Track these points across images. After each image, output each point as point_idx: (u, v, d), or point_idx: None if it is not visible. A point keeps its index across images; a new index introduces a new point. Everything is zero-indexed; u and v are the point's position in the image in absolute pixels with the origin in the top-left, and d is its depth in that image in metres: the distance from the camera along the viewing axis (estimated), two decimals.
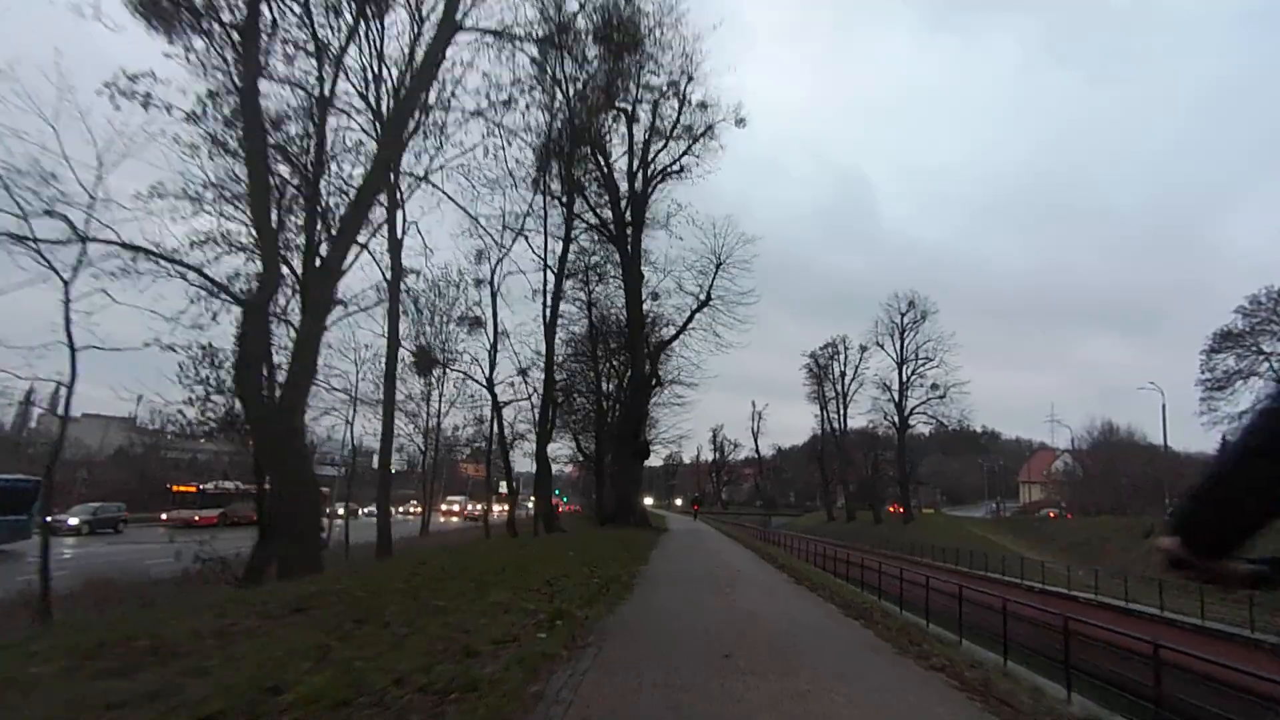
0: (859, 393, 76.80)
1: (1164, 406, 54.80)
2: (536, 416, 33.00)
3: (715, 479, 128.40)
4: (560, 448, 47.80)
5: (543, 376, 26.54)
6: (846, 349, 77.36)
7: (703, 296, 33.01)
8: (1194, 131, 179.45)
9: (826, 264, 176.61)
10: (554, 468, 64.55)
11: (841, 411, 77.55)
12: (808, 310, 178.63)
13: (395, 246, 21.62)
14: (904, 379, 63.85)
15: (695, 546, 23.67)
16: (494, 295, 24.71)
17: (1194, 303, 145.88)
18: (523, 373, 27.58)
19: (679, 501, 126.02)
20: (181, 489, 39.90)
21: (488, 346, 25.02)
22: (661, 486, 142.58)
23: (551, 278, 26.93)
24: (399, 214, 21.77)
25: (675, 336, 32.68)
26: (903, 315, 64.22)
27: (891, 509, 79.97)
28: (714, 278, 32.92)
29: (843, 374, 77.60)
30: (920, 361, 63.16)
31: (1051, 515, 55.82)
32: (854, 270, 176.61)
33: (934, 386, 61.77)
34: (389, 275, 21.61)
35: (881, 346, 65.24)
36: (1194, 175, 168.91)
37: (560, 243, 27.08)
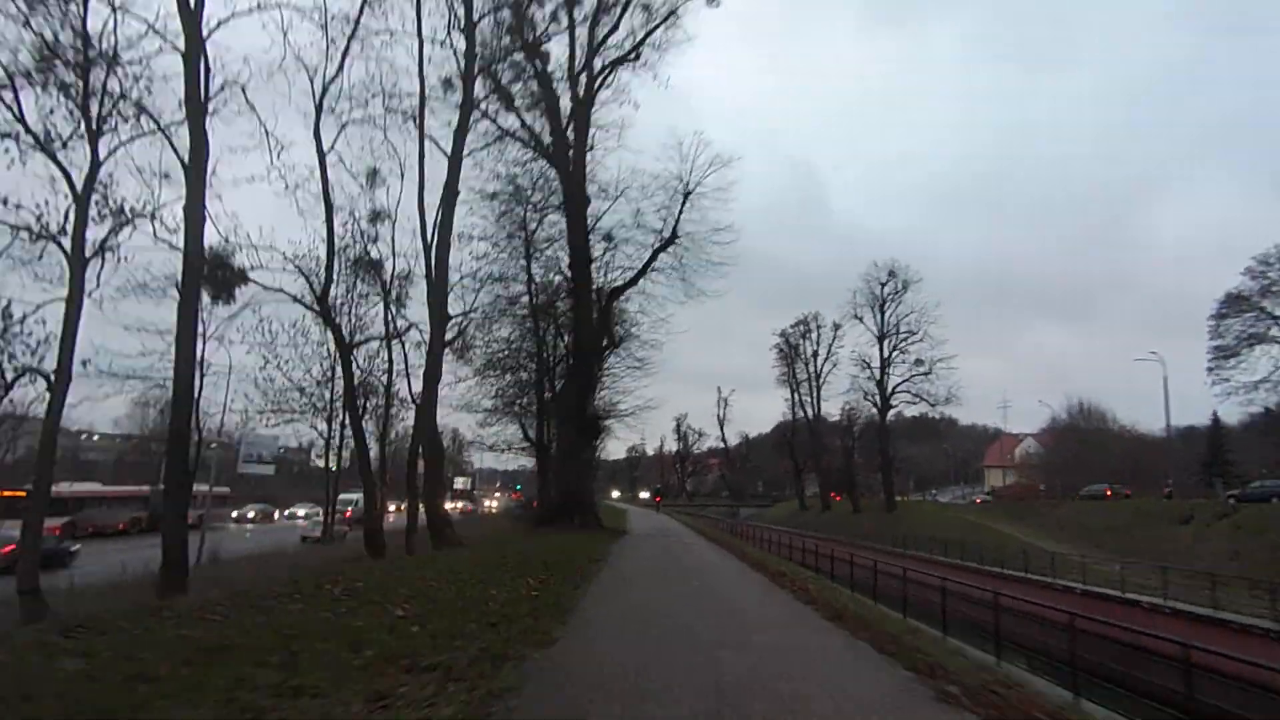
0: (833, 374, 70.66)
1: (1165, 380, 49.34)
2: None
3: (680, 470, 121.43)
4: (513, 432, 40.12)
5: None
6: (819, 327, 71.00)
7: (666, 233, 25.63)
8: (1119, 126, 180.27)
9: (782, 256, 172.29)
10: (515, 461, 57.42)
11: (814, 394, 71.20)
12: (766, 302, 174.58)
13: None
14: (885, 355, 57.62)
15: (663, 560, 16.13)
16: (320, 153, 16.31)
17: (1125, 291, 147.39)
18: (394, 303, 19.36)
19: (644, 495, 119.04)
20: (10, 493, 30.79)
21: (325, 240, 16.07)
22: (625, 479, 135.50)
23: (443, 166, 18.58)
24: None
25: (634, 281, 25.20)
26: (883, 286, 57.95)
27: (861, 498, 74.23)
28: (681, 209, 25.56)
29: (815, 353, 71.24)
30: (902, 336, 57.02)
31: (1109, 494, 50.09)
32: (810, 262, 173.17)
33: (918, 362, 55.66)
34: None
35: (860, 319, 58.86)
36: (1123, 167, 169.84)
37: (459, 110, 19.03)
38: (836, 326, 69.91)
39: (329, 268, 14.63)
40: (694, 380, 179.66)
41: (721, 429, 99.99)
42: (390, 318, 18.76)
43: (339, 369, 21.94)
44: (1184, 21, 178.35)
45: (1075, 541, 37.67)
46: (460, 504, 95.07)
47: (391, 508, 69.85)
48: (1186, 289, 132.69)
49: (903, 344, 56.96)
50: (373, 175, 17.44)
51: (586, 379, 22.51)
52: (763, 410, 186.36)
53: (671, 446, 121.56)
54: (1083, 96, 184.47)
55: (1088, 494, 51.64)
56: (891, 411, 57.72)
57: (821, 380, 70.76)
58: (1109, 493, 55.35)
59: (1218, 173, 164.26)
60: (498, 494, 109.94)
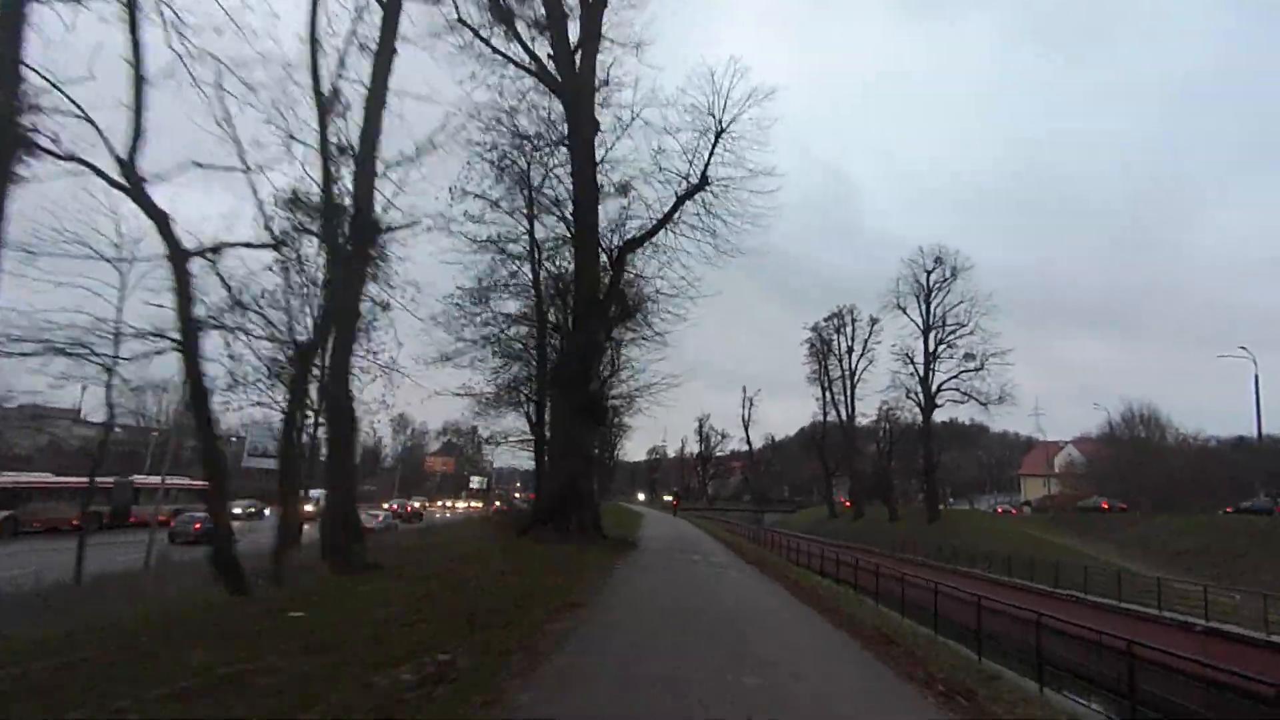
0: (868, 372, 65.01)
1: (1256, 379, 43.01)
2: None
3: (701, 473, 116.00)
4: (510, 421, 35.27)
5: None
6: (855, 321, 65.40)
7: (695, 178, 20.56)
8: (1166, 129, 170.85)
9: (809, 256, 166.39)
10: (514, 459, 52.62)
11: (848, 393, 65.51)
12: (791, 303, 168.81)
13: None
14: (931, 349, 51.81)
15: (685, 597, 10.53)
16: None
17: (1167, 303, 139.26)
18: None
19: (667, 498, 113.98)
20: None
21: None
22: (645, 481, 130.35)
23: None
24: None
25: (652, 233, 20.03)
26: (929, 274, 52.21)
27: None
28: (712, 151, 20.46)
29: (850, 349, 65.61)
30: (950, 329, 51.23)
31: (1104, 506, 44.11)
32: (837, 262, 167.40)
33: (968, 356, 49.78)
34: None
35: (904, 310, 53.10)
36: (1165, 173, 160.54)
37: None
38: (874, 321, 64.33)
39: (136, 108, 9.37)
40: (716, 382, 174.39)
41: (746, 430, 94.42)
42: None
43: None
44: (1232, 14, 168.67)
45: (1158, 562, 31.81)
46: (471, 504, 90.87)
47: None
48: (1234, 298, 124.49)
49: (950, 337, 51.23)
50: None
51: (589, 346, 17.60)
52: (786, 414, 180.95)
53: (693, 448, 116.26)
54: (1120, 94, 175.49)
55: (1084, 506, 45.67)
56: (937, 411, 51.91)
57: (856, 378, 65.19)
58: (1105, 505, 49.36)
59: (1268, 177, 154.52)
60: (517, 494, 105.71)
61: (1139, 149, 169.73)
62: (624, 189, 21.18)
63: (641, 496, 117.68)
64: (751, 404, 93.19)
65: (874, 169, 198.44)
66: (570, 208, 20.05)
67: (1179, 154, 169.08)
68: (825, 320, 66.71)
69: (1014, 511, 69.26)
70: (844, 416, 65.81)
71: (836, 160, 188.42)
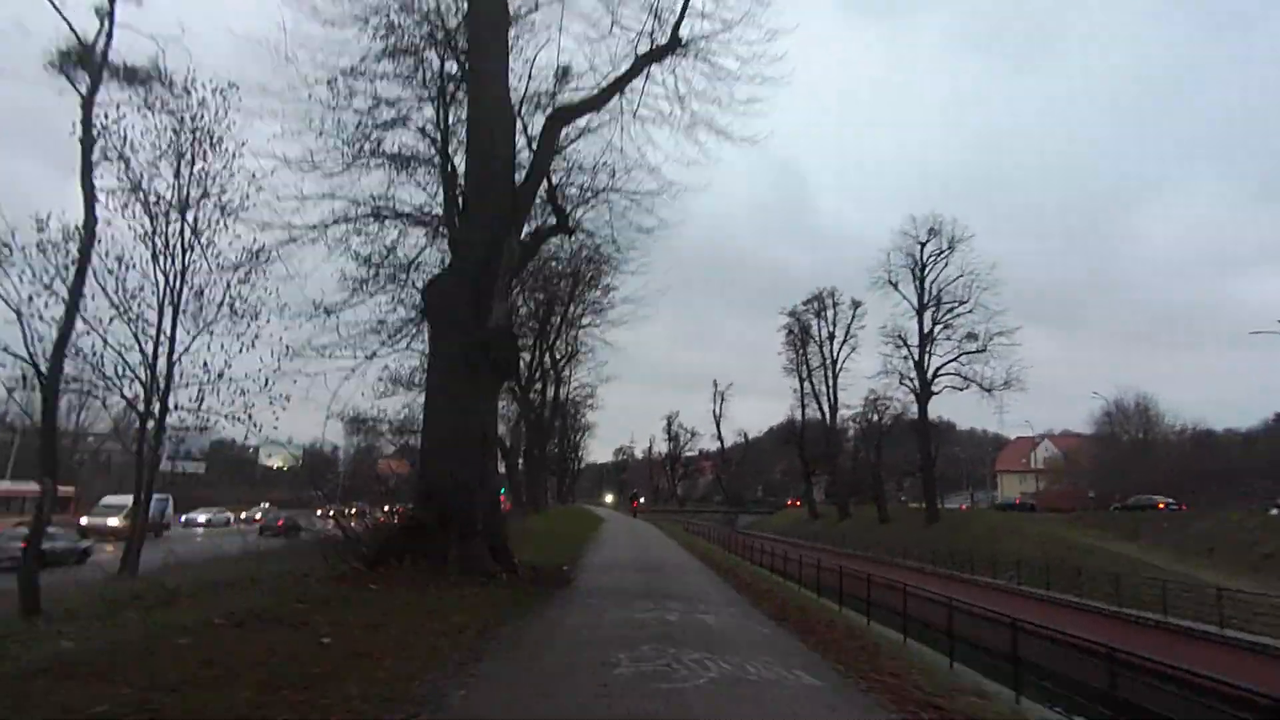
0: (851, 359, 58.76)
1: None
2: None
3: (670, 473, 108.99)
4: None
5: None
6: (836, 305, 59.03)
7: (662, 37, 13.48)
8: (1106, 130, 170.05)
9: (768, 257, 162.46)
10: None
11: (830, 383, 59.11)
12: (751, 304, 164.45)
13: None
14: (926, 330, 45.56)
15: None
16: None
17: (1111, 295, 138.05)
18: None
19: (643, 500, 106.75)
20: None
21: None
22: (612, 482, 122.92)
23: None
24: None
25: (601, 99, 12.81)
26: (922, 246, 45.97)
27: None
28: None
29: (831, 335, 59.27)
30: (948, 307, 45.03)
31: (1160, 506, 38.22)
32: (797, 263, 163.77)
33: (969, 336, 43.54)
34: None
35: (896, 286, 46.72)
36: (1109, 172, 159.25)
37: None
38: (856, 305, 58.12)
39: None
40: (679, 384, 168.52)
41: (718, 426, 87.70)
42: None
43: None
44: (1173, 19, 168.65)
45: (1233, 568, 25.66)
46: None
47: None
48: (1174, 296, 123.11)
49: (948, 316, 45.03)
50: None
51: (490, 247, 10.27)
52: (756, 415, 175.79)
53: (662, 448, 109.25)
54: (1066, 96, 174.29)
55: (1135, 504, 40.04)
56: (933, 400, 45.57)
57: (838, 367, 58.83)
58: (1161, 504, 43.78)
59: (1206, 176, 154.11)
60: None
61: (1087, 145, 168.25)
62: (564, 73, 14.01)
63: (609, 499, 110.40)
64: (723, 399, 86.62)
65: (831, 169, 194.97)
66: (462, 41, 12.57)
67: (1123, 152, 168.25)
68: (804, 305, 60.30)
69: (1016, 502, 63.72)
70: (826, 409, 59.40)
71: (794, 160, 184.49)
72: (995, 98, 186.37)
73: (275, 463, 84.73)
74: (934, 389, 45.22)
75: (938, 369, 45.11)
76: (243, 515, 49.54)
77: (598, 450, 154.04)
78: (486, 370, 9.69)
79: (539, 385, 39.22)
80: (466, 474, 9.42)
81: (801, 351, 61.15)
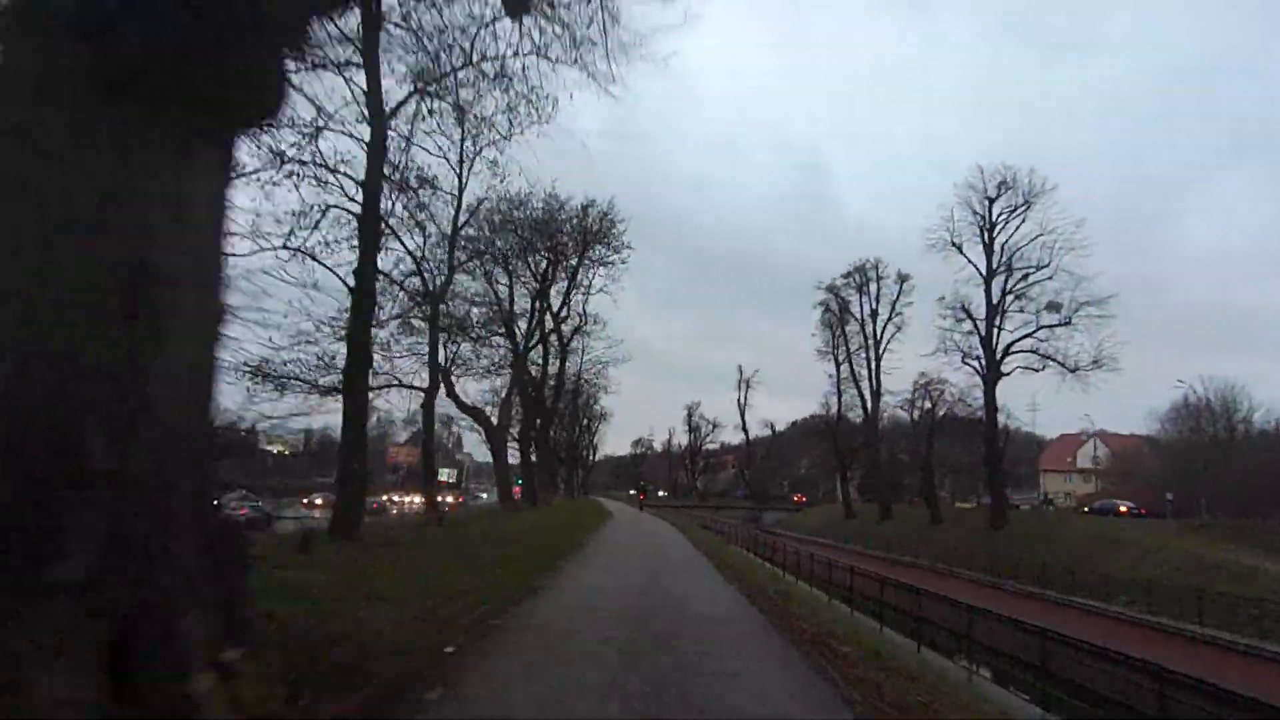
0: (896, 340, 51.48)
1: None
2: None
3: (690, 466, 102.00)
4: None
5: None
6: (880, 278, 51.78)
7: None
8: (1150, 124, 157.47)
9: (787, 253, 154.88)
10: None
11: (872, 366, 51.83)
12: (768, 301, 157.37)
13: None
14: (996, 301, 38.15)
15: None
16: None
17: (1150, 298, 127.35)
18: None
19: (662, 493, 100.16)
20: None
21: None
22: (629, 476, 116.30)
23: None
24: None
25: None
26: (990, 202, 38.59)
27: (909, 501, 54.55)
28: None
29: (874, 313, 51.97)
30: (1021, 274, 37.59)
31: None
32: (817, 260, 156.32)
33: (1051, 306, 36.06)
34: None
35: (960, 249, 39.34)
36: (1151, 169, 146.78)
37: None
38: (903, 279, 50.83)
39: None
40: (700, 379, 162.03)
41: (742, 415, 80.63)
42: None
43: None
44: (1219, 6, 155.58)
45: None
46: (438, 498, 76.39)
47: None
48: (1220, 299, 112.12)
49: (1022, 285, 37.58)
50: None
51: None
52: (775, 410, 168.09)
53: (681, 440, 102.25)
54: (1106, 89, 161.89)
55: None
56: (1004, 379, 38.10)
57: (882, 349, 51.55)
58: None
59: (1256, 173, 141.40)
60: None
61: (1129, 139, 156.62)
62: None
63: (632, 492, 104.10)
64: (748, 386, 79.48)
65: (855, 163, 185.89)
66: None
67: (1167, 147, 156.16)
68: (843, 278, 53.02)
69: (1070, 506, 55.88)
70: (866, 394, 52.11)
71: (816, 155, 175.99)
72: (1030, 89, 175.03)
73: (276, 447, 79.72)
74: (1004, 369, 37.87)
75: (1008, 346, 37.76)
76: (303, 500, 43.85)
77: (616, 444, 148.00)
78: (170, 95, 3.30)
79: (538, 349, 32.76)
80: (96, 390, 2.96)
81: (840, 331, 53.96)
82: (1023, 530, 35.40)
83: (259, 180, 12.11)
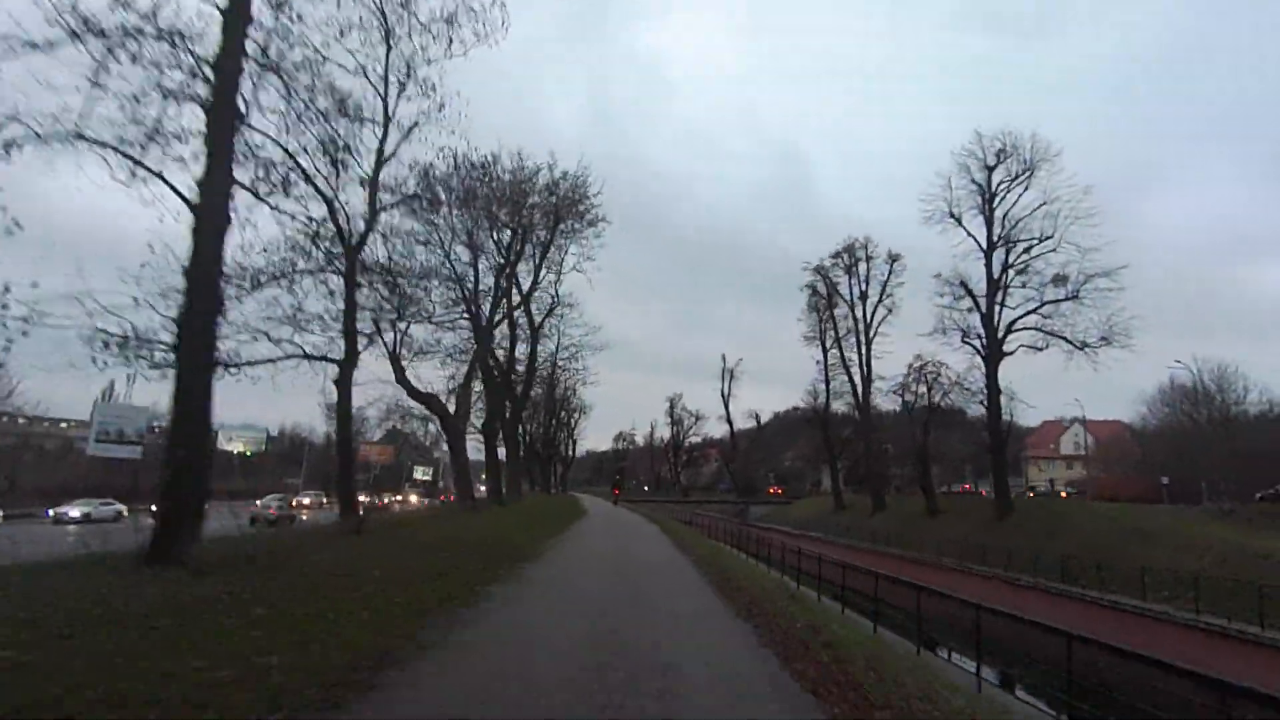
0: (887, 323, 48.64)
1: None
2: None
3: (673, 460, 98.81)
4: None
5: None
6: (870, 258, 48.85)
7: None
8: (1112, 110, 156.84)
9: (765, 244, 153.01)
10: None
11: (861, 351, 48.92)
12: (746, 292, 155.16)
13: None
14: (997, 275, 35.26)
15: None
16: None
17: (1119, 282, 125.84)
18: None
19: (646, 488, 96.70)
20: None
21: None
22: (611, 471, 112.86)
23: None
24: None
25: None
26: (990, 170, 35.68)
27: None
28: None
29: (863, 295, 49.04)
30: (1024, 246, 34.71)
31: None
32: (796, 251, 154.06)
33: (1058, 280, 33.20)
34: None
35: (959, 221, 36.39)
36: (1116, 154, 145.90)
37: None
38: (894, 258, 48.00)
39: None
40: (681, 371, 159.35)
41: (726, 406, 77.66)
42: None
43: None
44: None
45: None
46: (413, 499, 72.42)
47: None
48: (1185, 283, 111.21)
49: (1024, 258, 34.69)
50: None
51: None
52: (757, 402, 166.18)
53: (664, 433, 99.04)
54: (1076, 71, 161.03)
55: None
56: (1007, 359, 35.18)
57: (872, 333, 48.64)
58: None
59: (1220, 160, 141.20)
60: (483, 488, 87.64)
61: (1098, 124, 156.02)
62: None
63: (617, 492, 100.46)
64: (732, 376, 76.44)
65: (833, 153, 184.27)
66: None
67: (1133, 133, 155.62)
68: (831, 258, 50.02)
69: (1064, 495, 53.48)
70: (857, 380, 49.17)
71: (793, 145, 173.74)
72: (1000, 77, 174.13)
73: (237, 448, 74.86)
74: (1006, 348, 35.01)
75: (1011, 323, 34.91)
76: (153, 507, 39.65)
77: (598, 439, 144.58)
78: None
79: (503, 330, 29.27)
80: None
81: (828, 315, 50.97)
82: (1030, 520, 32.57)
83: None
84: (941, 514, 40.26)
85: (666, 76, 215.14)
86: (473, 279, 28.56)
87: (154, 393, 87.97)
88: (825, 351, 52.38)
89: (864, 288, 48.62)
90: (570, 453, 77.63)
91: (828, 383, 52.97)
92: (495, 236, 29.63)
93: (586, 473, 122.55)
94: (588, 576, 9.97)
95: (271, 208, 11.93)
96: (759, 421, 79.89)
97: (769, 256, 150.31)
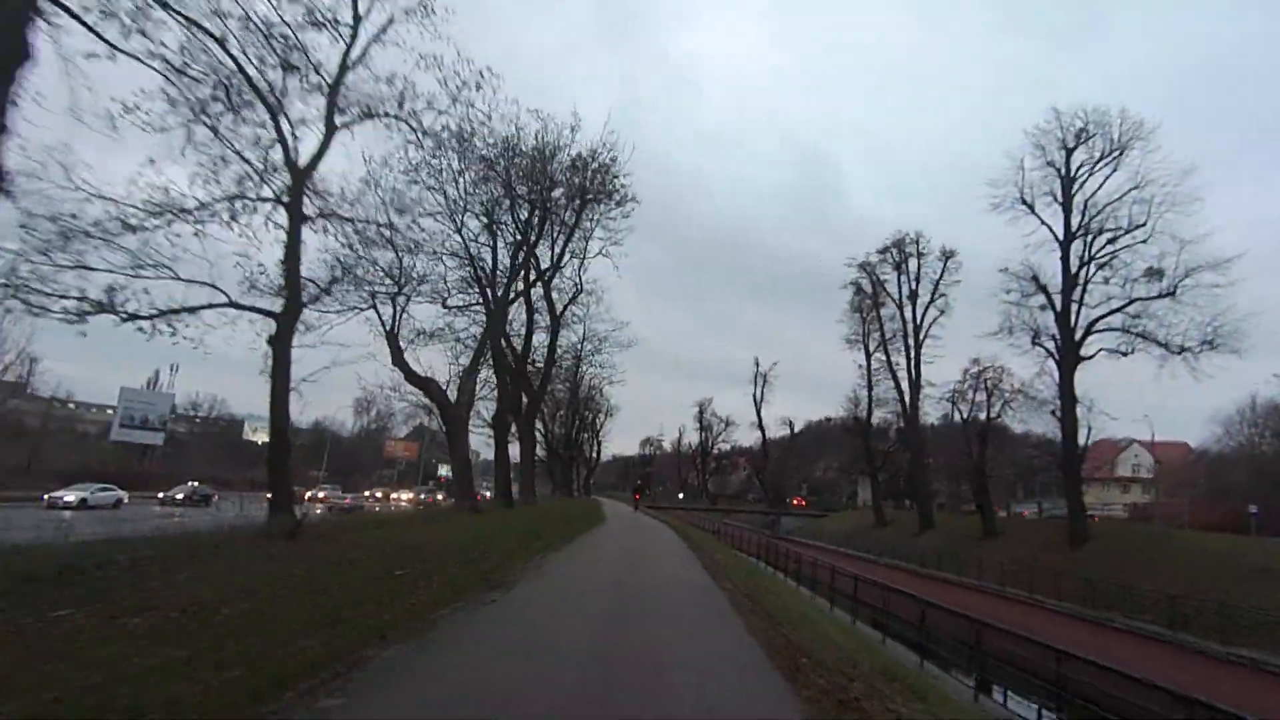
0: (939, 324, 44.30)
1: None
2: None
3: (700, 467, 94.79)
4: None
5: None
6: (921, 254, 44.61)
7: None
8: (1161, 115, 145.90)
9: (790, 248, 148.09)
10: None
11: (910, 355, 44.60)
12: (771, 294, 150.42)
13: None
14: (1075, 269, 30.88)
15: None
16: None
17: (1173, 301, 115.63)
18: None
19: (680, 495, 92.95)
20: None
21: None
22: (637, 476, 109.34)
23: None
24: None
25: None
26: (1069, 151, 31.36)
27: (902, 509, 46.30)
28: None
29: (913, 294, 44.77)
30: (1109, 237, 30.27)
31: None
32: (822, 255, 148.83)
33: (1151, 274, 28.74)
34: None
35: (1031, 208, 32.11)
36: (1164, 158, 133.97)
37: None
38: (948, 254, 43.68)
39: None
40: (710, 378, 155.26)
41: (758, 411, 73.49)
42: None
43: None
44: None
45: None
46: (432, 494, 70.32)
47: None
48: (1239, 297, 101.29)
49: (1108, 251, 30.23)
50: None
51: None
52: (780, 413, 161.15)
53: (692, 439, 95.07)
54: (1120, 78, 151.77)
55: None
56: (1087, 360, 30.66)
57: (923, 334, 44.33)
58: None
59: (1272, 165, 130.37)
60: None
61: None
62: None
63: (638, 497, 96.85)
64: (765, 380, 72.33)
65: (860, 157, 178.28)
66: None
67: (1180, 140, 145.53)
68: (879, 254, 45.86)
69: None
70: (905, 387, 44.84)
71: (820, 148, 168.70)
72: (1039, 81, 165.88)
73: (262, 438, 73.35)
74: (1084, 351, 30.57)
75: (1091, 323, 30.46)
76: (160, 494, 37.73)
77: (625, 444, 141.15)
78: None
79: (519, 308, 26.18)
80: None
81: (872, 315, 46.78)
82: (1112, 548, 28.05)
83: None
84: (999, 536, 35.86)
85: (694, 78, 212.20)
86: (490, 260, 25.62)
87: (188, 381, 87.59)
88: (868, 356, 48.28)
89: (914, 286, 44.40)
90: (594, 455, 74.29)
91: (870, 389, 48.77)
92: (515, 215, 26.61)
93: (612, 477, 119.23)
94: (573, 624, 6.55)
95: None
96: (793, 429, 75.51)
97: (789, 261, 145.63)
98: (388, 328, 20.46)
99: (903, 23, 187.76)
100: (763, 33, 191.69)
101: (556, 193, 27.48)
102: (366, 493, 60.50)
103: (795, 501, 76.93)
